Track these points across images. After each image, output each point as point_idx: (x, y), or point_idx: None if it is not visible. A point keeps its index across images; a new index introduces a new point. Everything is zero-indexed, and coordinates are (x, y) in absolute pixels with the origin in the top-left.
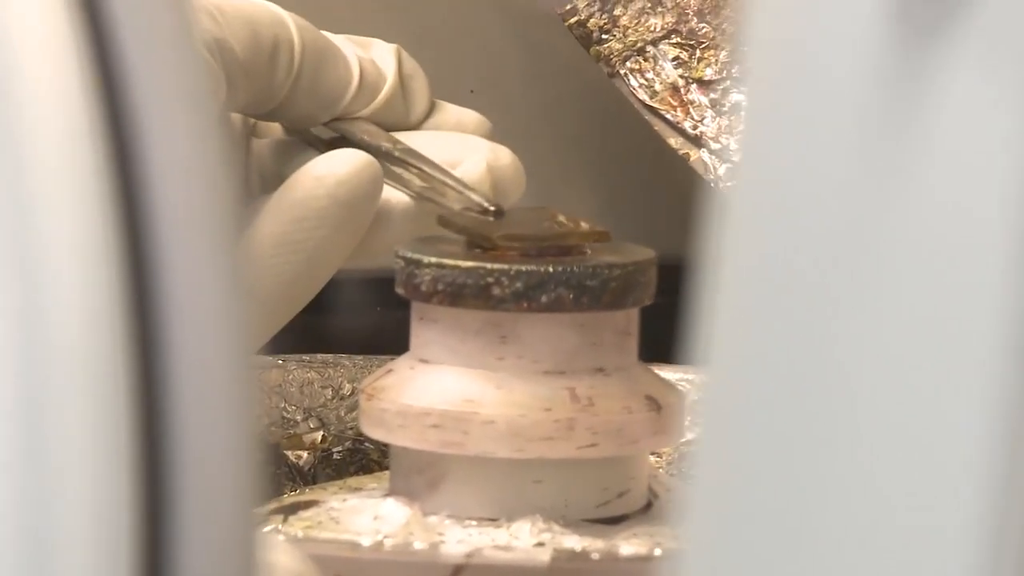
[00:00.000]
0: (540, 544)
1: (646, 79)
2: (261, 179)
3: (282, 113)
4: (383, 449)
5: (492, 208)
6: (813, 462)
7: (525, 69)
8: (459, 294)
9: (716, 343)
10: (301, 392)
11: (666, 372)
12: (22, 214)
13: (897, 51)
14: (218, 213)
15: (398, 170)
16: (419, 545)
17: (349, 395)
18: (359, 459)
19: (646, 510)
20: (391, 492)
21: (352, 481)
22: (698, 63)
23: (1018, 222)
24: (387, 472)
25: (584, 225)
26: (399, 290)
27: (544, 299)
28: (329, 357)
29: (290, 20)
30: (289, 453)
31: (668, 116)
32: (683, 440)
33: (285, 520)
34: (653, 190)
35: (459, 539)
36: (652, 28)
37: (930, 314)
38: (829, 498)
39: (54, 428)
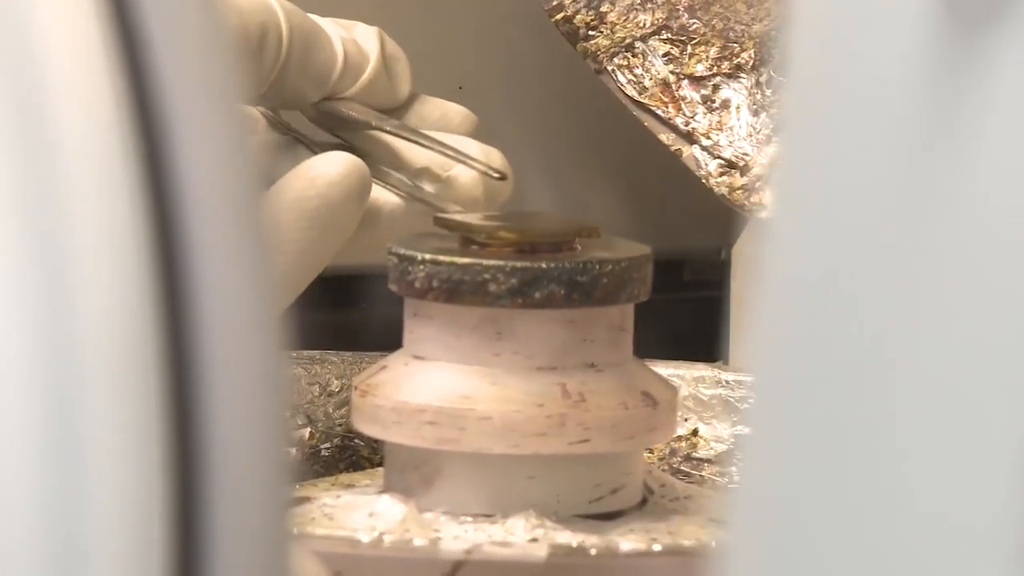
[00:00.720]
0: (534, 540)
1: (635, 75)
2: None
3: (271, 96)
4: (373, 445)
5: (498, 175)
6: (859, 463)
7: (511, 66)
8: (455, 290)
9: (764, 345)
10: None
11: (663, 368)
12: (52, 213)
13: (946, 46)
14: (246, 209)
15: (388, 154)
16: (419, 542)
17: (337, 392)
18: (349, 456)
19: (641, 506)
20: (385, 488)
21: (344, 478)
22: (689, 59)
23: None
24: (379, 469)
25: (575, 221)
26: (392, 287)
27: (538, 295)
28: (315, 353)
29: (276, 4)
30: None
31: (659, 112)
32: (676, 436)
33: None
34: (648, 187)
35: (455, 535)
36: (641, 24)
37: (978, 314)
38: (872, 501)
39: (86, 427)
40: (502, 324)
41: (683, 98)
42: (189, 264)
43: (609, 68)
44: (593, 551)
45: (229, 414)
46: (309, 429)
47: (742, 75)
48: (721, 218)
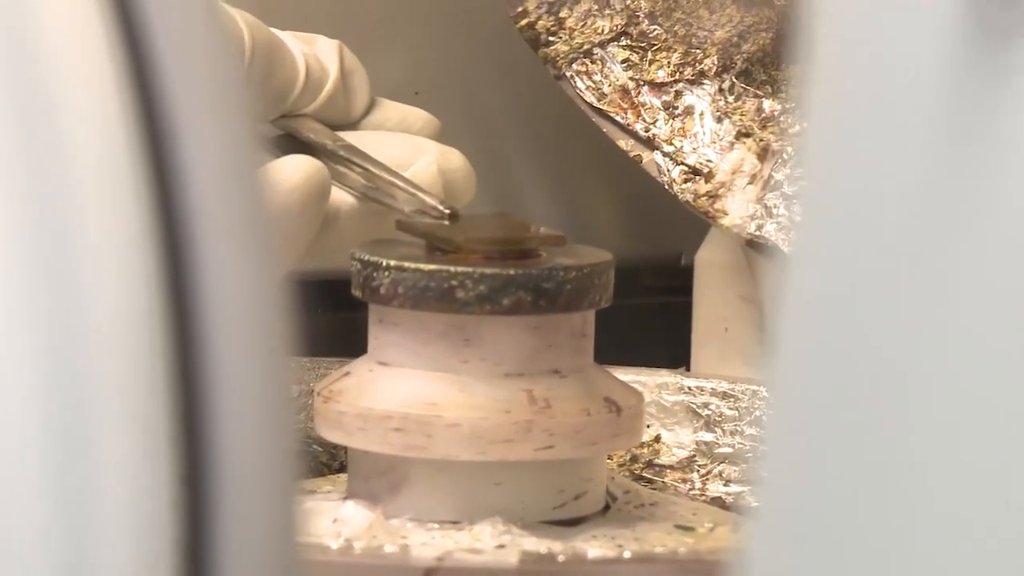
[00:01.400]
0: (501, 546)
1: (594, 81)
2: None
3: None
4: (332, 451)
5: (447, 211)
6: (880, 472)
7: (475, 70)
8: (421, 297)
9: (787, 346)
10: None
11: (625, 375)
12: (61, 218)
13: (973, 51)
14: (250, 210)
15: (343, 169)
16: (390, 548)
17: (295, 397)
18: (307, 462)
19: (603, 512)
20: (349, 495)
21: (304, 484)
22: (649, 65)
23: None
24: (340, 475)
25: (540, 228)
26: (355, 292)
27: (506, 302)
28: None
29: (239, 18)
30: None
31: (617, 118)
32: (640, 442)
33: None
34: (607, 192)
35: (423, 542)
36: (600, 30)
37: (1005, 321)
38: (894, 510)
39: (94, 432)
40: (470, 331)
41: (643, 104)
42: (195, 269)
43: (568, 74)
44: (561, 557)
45: (236, 418)
46: None
47: (705, 81)
48: (679, 224)
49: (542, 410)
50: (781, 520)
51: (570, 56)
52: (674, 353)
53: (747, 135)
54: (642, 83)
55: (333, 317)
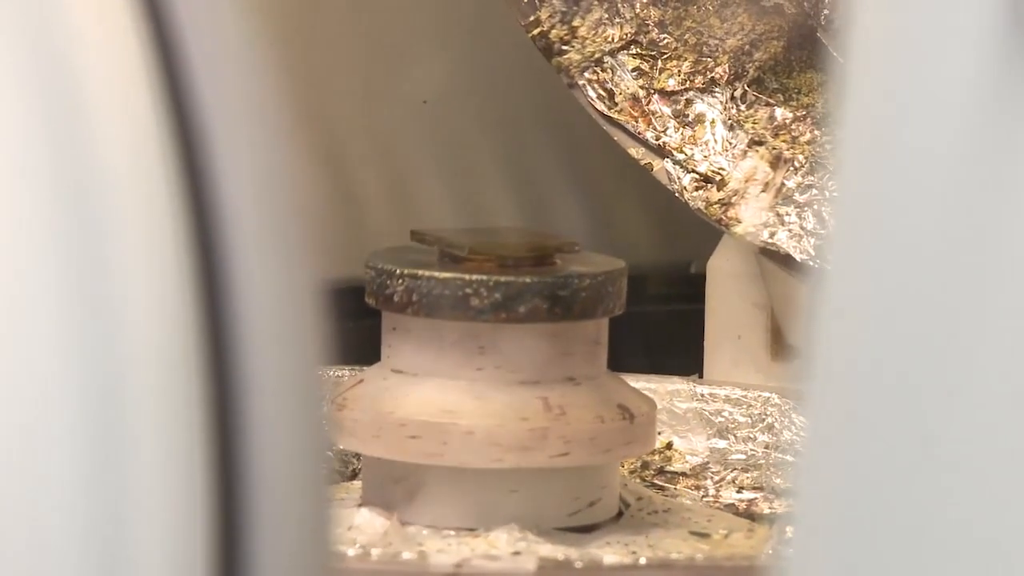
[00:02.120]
0: (517, 553)
1: (605, 90)
2: None
3: None
4: (343, 458)
5: None
6: (924, 477)
7: (477, 81)
8: (436, 305)
9: (823, 359)
10: None
11: (638, 382)
12: (94, 222)
13: (1010, 66)
14: (283, 216)
15: None
16: (408, 555)
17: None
18: None
19: (617, 519)
20: (364, 502)
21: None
22: (660, 74)
23: None
24: (352, 482)
25: (552, 236)
26: (369, 300)
27: (521, 309)
28: None
29: None
30: None
31: (628, 127)
32: (654, 449)
33: None
34: (620, 201)
35: (439, 549)
36: (610, 38)
37: None
38: (935, 517)
39: (130, 432)
40: (484, 339)
41: (653, 112)
42: (229, 274)
43: (580, 83)
44: (578, 564)
45: (270, 424)
46: None
47: (716, 89)
48: (688, 232)
49: (557, 417)
50: (818, 532)
51: (582, 64)
52: (685, 361)
53: (760, 143)
54: (652, 91)
55: (344, 325)
